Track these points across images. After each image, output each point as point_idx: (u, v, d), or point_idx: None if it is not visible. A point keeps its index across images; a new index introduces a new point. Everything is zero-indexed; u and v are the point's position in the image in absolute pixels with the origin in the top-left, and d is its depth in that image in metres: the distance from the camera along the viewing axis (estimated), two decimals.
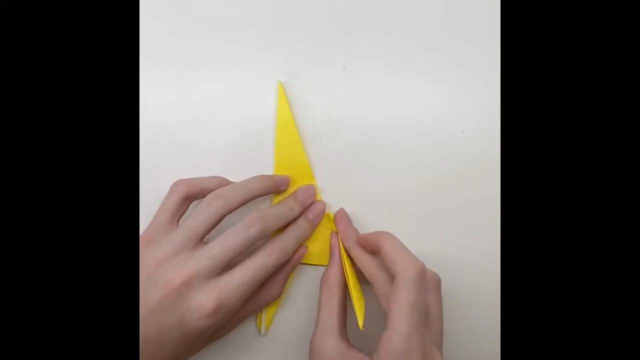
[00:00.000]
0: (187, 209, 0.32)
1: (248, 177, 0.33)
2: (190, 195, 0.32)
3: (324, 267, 0.34)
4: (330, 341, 0.30)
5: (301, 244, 0.34)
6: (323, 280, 0.33)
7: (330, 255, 0.34)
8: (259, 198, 0.33)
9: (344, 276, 0.33)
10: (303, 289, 0.35)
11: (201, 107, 0.35)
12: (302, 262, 0.34)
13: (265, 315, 0.35)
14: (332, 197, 0.35)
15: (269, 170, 0.35)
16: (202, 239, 0.30)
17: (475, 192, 0.35)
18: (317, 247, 0.35)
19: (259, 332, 0.35)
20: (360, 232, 0.34)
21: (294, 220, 0.33)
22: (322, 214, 0.34)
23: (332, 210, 0.35)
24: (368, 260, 0.32)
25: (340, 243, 0.34)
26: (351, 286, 0.31)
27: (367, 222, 0.35)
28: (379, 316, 0.30)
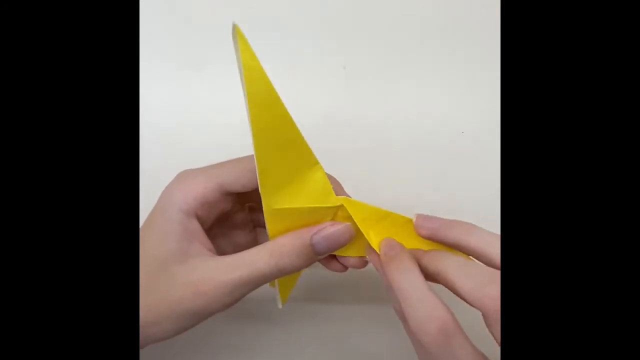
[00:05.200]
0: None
1: None
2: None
3: None
4: None
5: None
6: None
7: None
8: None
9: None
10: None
11: (201, 107, 0.35)
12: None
13: (279, 290, 0.31)
14: None
15: None
16: None
17: (475, 192, 0.35)
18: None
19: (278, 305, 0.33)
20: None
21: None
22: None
23: None
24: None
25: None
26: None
27: None
28: None
